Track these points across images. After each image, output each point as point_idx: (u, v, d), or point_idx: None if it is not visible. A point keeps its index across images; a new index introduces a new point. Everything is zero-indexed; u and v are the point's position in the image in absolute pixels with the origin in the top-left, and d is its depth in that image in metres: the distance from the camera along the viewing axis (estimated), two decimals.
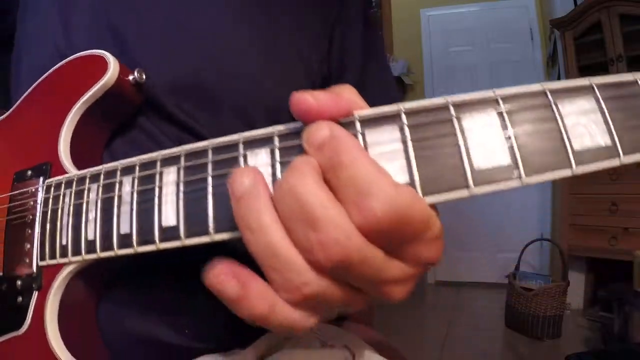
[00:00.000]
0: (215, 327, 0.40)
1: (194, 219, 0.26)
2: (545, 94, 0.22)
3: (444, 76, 3.47)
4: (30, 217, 0.35)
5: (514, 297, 2.39)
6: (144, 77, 0.38)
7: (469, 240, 3.22)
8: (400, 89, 3.46)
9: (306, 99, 0.22)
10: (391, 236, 0.21)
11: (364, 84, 0.47)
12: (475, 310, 2.79)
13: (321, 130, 0.22)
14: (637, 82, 0.22)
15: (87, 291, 0.36)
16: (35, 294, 0.34)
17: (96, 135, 0.40)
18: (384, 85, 0.51)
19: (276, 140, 0.25)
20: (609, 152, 0.22)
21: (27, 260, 0.35)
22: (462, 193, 0.22)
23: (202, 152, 0.27)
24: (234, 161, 0.26)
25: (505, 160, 0.22)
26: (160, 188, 0.27)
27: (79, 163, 0.36)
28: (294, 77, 0.44)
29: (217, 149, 0.26)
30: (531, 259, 2.85)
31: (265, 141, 0.25)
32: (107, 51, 0.38)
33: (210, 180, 0.26)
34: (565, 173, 0.22)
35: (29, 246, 0.35)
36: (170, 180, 0.27)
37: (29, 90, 0.42)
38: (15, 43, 0.50)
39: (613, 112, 0.22)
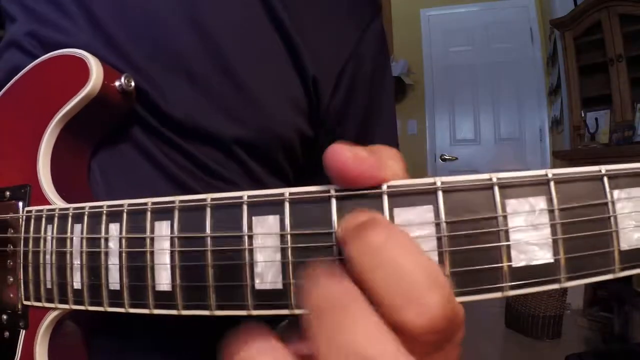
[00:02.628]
0: None
1: (193, 290, 0.23)
2: (602, 180, 0.20)
3: (444, 76, 3.47)
4: (12, 247, 0.32)
5: (514, 297, 2.40)
6: (132, 83, 0.33)
7: None
8: (400, 89, 3.46)
9: (343, 152, 0.19)
10: (436, 340, 0.18)
11: (366, 130, 0.44)
12: (475, 310, 2.79)
13: (358, 215, 0.19)
14: None
15: (80, 331, 0.33)
16: (22, 332, 0.31)
17: (79, 150, 0.35)
18: (387, 135, 0.47)
19: (287, 209, 0.22)
20: None
21: (12, 295, 0.32)
22: (494, 294, 0.19)
23: (200, 209, 0.23)
24: (238, 237, 0.22)
25: (547, 257, 0.19)
26: (152, 253, 0.24)
27: (61, 183, 0.33)
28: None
29: (217, 208, 0.23)
30: None
31: (274, 207, 0.22)
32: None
33: (209, 255, 0.23)
34: (607, 277, 0.19)
35: (11, 279, 0.32)
36: (163, 244, 0.24)
37: (3, 91, 0.37)
38: None
39: None
